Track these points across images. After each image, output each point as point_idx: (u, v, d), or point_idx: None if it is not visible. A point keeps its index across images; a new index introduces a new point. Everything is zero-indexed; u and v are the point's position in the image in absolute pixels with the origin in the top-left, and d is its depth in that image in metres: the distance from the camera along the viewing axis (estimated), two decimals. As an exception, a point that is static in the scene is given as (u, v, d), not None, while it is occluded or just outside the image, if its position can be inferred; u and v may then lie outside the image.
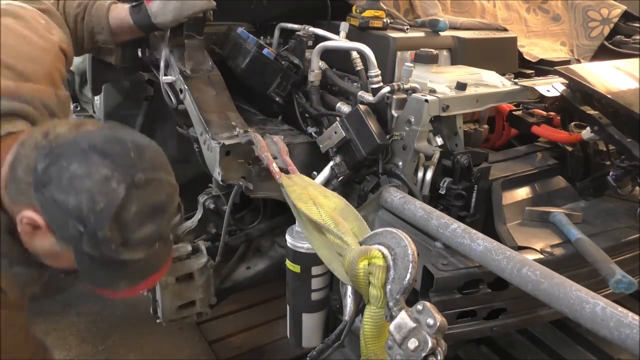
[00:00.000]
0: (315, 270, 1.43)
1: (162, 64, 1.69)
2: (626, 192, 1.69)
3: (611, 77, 1.69)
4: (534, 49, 2.38)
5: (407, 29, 1.90)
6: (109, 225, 0.94)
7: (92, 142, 0.97)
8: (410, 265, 0.95)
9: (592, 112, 1.63)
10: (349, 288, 1.08)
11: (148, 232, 0.99)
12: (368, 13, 1.84)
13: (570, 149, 1.75)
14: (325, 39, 1.72)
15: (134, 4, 1.52)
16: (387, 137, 1.49)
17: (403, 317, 0.91)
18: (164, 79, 1.70)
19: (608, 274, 1.24)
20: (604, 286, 1.36)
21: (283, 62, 1.72)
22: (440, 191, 1.48)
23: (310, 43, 1.77)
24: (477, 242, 1.17)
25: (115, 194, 0.94)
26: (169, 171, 1.06)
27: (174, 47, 1.68)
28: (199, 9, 1.54)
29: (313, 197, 1.20)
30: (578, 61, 2.45)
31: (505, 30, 2.21)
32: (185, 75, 1.67)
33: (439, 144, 1.50)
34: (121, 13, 1.52)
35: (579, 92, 1.68)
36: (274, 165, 1.36)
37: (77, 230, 0.94)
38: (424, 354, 0.86)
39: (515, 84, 1.68)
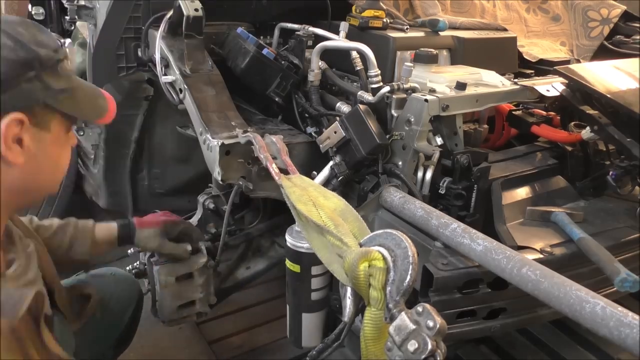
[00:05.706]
0: (315, 270, 1.43)
1: (158, 65, 1.69)
2: (626, 192, 1.69)
3: (611, 77, 1.69)
4: (533, 49, 2.38)
5: (407, 28, 1.90)
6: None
7: None
8: (410, 267, 0.96)
9: (592, 111, 1.62)
10: (349, 289, 1.08)
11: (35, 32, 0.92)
12: (368, 13, 1.84)
13: (570, 148, 1.75)
14: (325, 38, 1.72)
15: (123, 223, 1.49)
16: (387, 136, 1.49)
17: (403, 319, 0.91)
18: (164, 78, 1.70)
19: (613, 273, 1.24)
20: (605, 285, 1.36)
21: (283, 62, 1.72)
22: (440, 191, 1.47)
23: (310, 43, 1.78)
24: (477, 242, 1.17)
25: None
26: None
27: (174, 47, 1.68)
28: (178, 253, 1.58)
29: (313, 198, 1.20)
30: (578, 61, 2.45)
31: (505, 30, 2.21)
32: (185, 75, 1.67)
33: (439, 143, 1.50)
34: (108, 229, 1.48)
35: (579, 91, 1.68)
36: (274, 166, 1.36)
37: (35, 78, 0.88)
38: (423, 356, 0.85)
39: (515, 83, 1.68)
